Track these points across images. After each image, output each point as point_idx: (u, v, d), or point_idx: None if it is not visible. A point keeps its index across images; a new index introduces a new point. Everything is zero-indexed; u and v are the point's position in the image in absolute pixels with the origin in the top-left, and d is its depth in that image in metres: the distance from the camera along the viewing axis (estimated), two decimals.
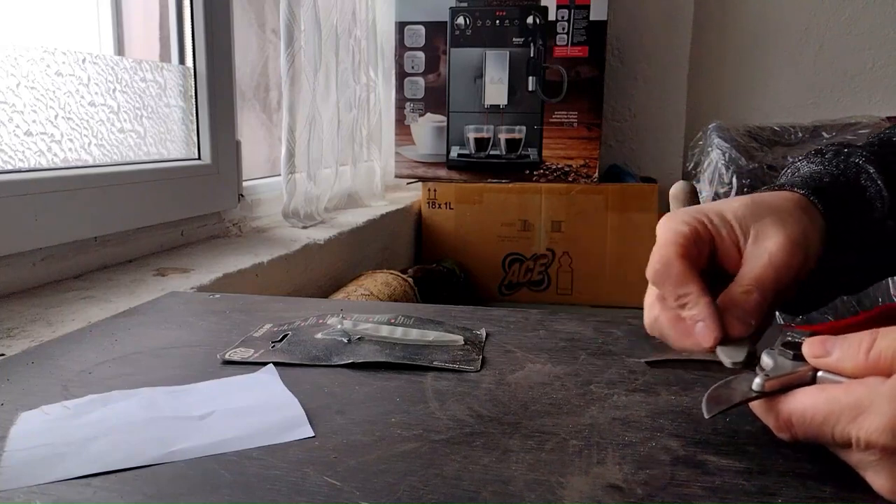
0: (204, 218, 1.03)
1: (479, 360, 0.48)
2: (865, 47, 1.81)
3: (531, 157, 1.60)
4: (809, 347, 0.32)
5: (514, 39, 1.57)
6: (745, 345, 0.36)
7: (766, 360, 0.33)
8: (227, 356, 0.48)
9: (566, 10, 1.54)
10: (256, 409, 0.40)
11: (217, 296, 0.66)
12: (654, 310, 0.39)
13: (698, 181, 1.60)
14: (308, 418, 0.38)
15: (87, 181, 0.78)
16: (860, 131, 1.55)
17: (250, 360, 0.48)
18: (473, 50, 1.58)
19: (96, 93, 0.83)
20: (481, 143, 1.61)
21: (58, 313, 0.64)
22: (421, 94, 1.62)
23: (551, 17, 1.55)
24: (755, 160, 1.55)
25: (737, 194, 1.50)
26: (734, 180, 1.52)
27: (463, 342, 0.51)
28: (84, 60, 0.81)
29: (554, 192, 1.58)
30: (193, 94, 1.02)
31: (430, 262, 1.54)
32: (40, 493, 0.31)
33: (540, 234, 1.59)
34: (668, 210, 0.44)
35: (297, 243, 1.02)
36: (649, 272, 0.38)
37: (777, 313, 1.44)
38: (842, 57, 1.82)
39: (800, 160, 0.48)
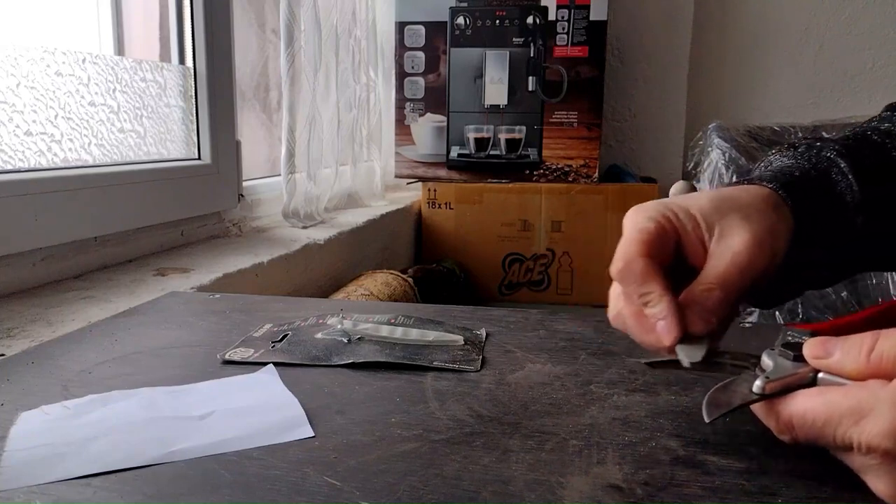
0: (204, 218, 1.03)
1: (479, 360, 0.48)
2: (865, 47, 1.81)
3: (531, 157, 1.60)
4: (810, 348, 0.32)
5: (514, 39, 1.57)
6: (704, 343, 0.36)
7: (766, 360, 0.33)
8: (227, 356, 0.48)
9: (566, 10, 1.54)
10: (256, 409, 0.40)
11: (217, 296, 0.66)
12: (618, 303, 0.40)
13: (698, 181, 1.60)
14: (308, 418, 0.38)
15: (87, 181, 0.78)
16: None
17: (250, 360, 0.48)
18: (473, 50, 1.58)
19: (96, 93, 0.83)
20: (481, 143, 1.61)
21: (58, 313, 0.64)
22: (421, 94, 1.62)
23: (551, 17, 1.55)
24: (755, 160, 1.54)
25: None
26: (734, 180, 1.52)
27: (463, 342, 0.51)
28: (84, 60, 0.81)
29: (554, 192, 1.58)
30: (193, 94, 1.02)
31: (430, 262, 1.54)
32: (40, 493, 0.31)
33: (540, 234, 1.59)
34: None
35: (297, 243, 1.02)
36: (612, 270, 0.38)
37: (777, 313, 1.45)
38: (842, 57, 1.82)
39: (773, 153, 0.48)
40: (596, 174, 1.59)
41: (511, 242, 1.60)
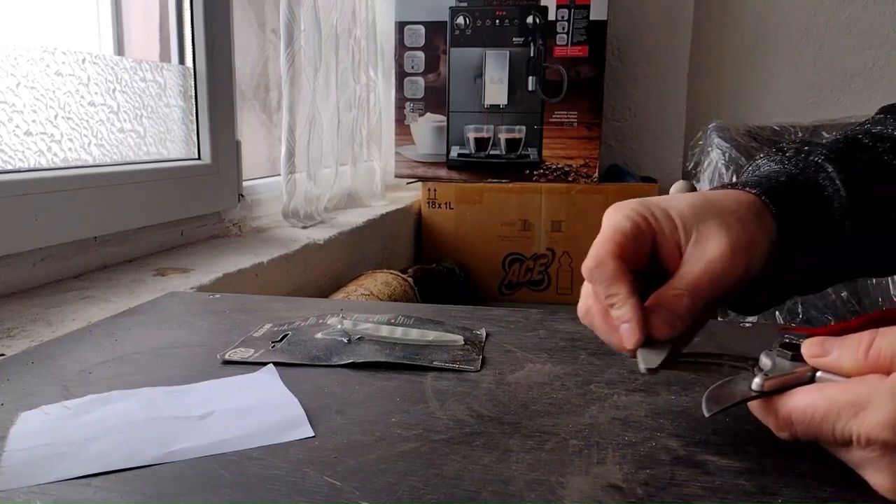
0: (204, 218, 1.03)
1: (479, 360, 0.48)
2: (865, 47, 1.81)
3: (531, 156, 1.60)
4: (808, 348, 0.32)
5: (514, 39, 1.57)
6: (666, 348, 0.36)
7: (764, 360, 0.33)
8: (227, 356, 0.48)
9: (566, 10, 1.54)
10: (256, 409, 0.40)
11: (217, 296, 0.66)
12: (588, 300, 0.40)
13: (698, 181, 1.61)
14: (308, 418, 0.38)
15: (87, 181, 0.78)
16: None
17: (250, 360, 0.48)
18: (473, 50, 1.58)
19: (96, 93, 0.83)
20: (481, 143, 1.61)
21: (58, 313, 0.64)
22: (421, 94, 1.62)
23: (551, 16, 1.55)
24: (755, 160, 1.54)
25: None
26: (734, 180, 1.52)
27: (463, 342, 0.51)
28: (84, 60, 0.81)
29: (554, 191, 1.58)
30: (193, 94, 1.02)
31: (430, 262, 1.54)
32: (40, 493, 0.31)
33: (540, 233, 1.59)
34: None
35: (297, 243, 1.02)
36: (583, 268, 0.38)
37: (777, 314, 1.45)
38: (842, 57, 1.82)
39: (761, 157, 0.47)
40: (596, 174, 1.59)
41: (511, 242, 1.60)
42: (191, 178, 0.98)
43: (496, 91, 1.59)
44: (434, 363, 0.47)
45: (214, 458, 0.34)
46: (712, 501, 0.30)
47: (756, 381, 0.32)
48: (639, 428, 0.37)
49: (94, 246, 0.81)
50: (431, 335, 0.52)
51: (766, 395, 0.32)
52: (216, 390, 0.43)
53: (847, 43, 1.81)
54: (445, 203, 1.62)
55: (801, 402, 0.30)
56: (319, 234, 1.10)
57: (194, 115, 1.03)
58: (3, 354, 0.52)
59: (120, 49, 0.99)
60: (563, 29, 1.55)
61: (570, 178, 1.59)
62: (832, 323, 1.42)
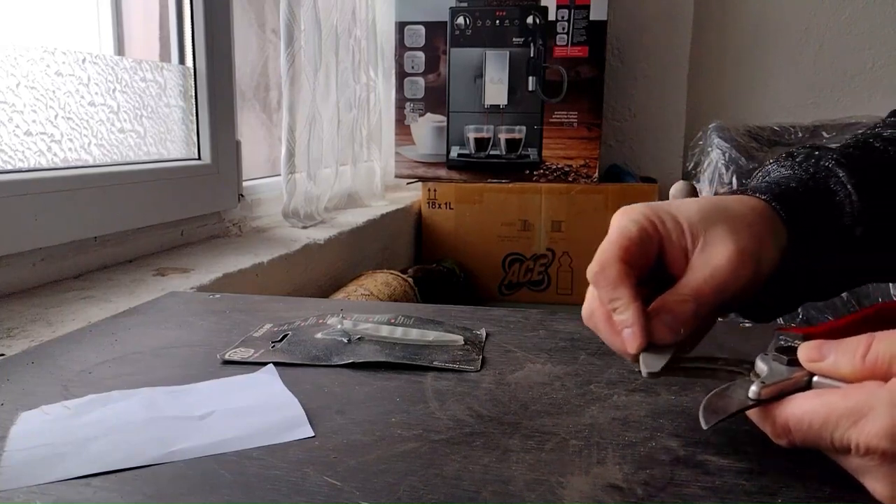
0: (204, 218, 1.03)
1: (479, 360, 0.48)
2: (865, 47, 1.81)
3: (531, 157, 1.60)
4: (805, 352, 0.31)
5: (514, 39, 1.57)
6: (668, 353, 0.36)
7: (760, 365, 0.33)
8: (227, 356, 0.48)
9: (566, 10, 1.54)
10: (256, 409, 0.40)
11: (217, 296, 0.66)
12: (592, 303, 0.40)
13: (698, 181, 1.61)
14: (308, 418, 0.38)
15: (87, 181, 0.78)
16: (860, 131, 1.55)
17: (250, 360, 0.48)
18: (473, 50, 1.58)
19: (96, 93, 0.83)
20: (481, 143, 1.61)
21: (58, 313, 0.64)
22: (421, 94, 1.62)
23: (551, 17, 1.55)
24: (755, 160, 1.55)
25: None
26: (734, 180, 1.53)
27: (463, 342, 0.51)
28: (84, 60, 0.81)
29: (554, 192, 1.58)
30: (193, 94, 1.02)
31: (430, 262, 1.54)
32: (40, 493, 0.31)
33: (540, 234, 1.59)
34: None
35: (297, 243, 1.02)
36: (588, 272, 0.38)
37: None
38: (842, 57, 1.82)
39: (771, 163, 0.47)
40: (596, 174, 1.59)
41: (511, 242, 1.60)
42: (191, 178, 0.98)
43: (496, 91, 1.59)
44: (434, 363, 0.47)
45: (214, 458, 0.34)
46: (712, 501, 0.30)
47: (753, 390, 0.32)
48: (639, 428, 0.37)
49: (94, 246, 0.81)
50: (431, 335, 0.52)
51: (764, 402, 0.31)
52: (216, 390, 0.43)
53: (847, 43, 1.81)
54: (445, 203, 1.62)
55: (799, 410, 0.30)
56: (319, 234, 1.10)
57: (194, 115, 1.03)
58: (3, 354, 0.52)
59: (120, 49, 0.99)
60: (563, 29, 1.55)
61: (570, 179, 1.59)
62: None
